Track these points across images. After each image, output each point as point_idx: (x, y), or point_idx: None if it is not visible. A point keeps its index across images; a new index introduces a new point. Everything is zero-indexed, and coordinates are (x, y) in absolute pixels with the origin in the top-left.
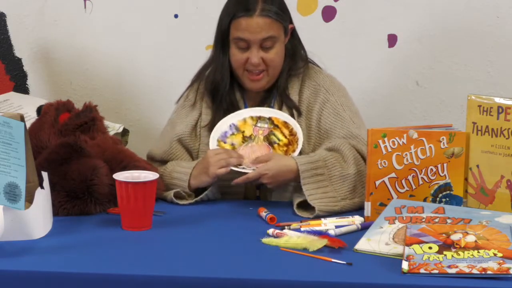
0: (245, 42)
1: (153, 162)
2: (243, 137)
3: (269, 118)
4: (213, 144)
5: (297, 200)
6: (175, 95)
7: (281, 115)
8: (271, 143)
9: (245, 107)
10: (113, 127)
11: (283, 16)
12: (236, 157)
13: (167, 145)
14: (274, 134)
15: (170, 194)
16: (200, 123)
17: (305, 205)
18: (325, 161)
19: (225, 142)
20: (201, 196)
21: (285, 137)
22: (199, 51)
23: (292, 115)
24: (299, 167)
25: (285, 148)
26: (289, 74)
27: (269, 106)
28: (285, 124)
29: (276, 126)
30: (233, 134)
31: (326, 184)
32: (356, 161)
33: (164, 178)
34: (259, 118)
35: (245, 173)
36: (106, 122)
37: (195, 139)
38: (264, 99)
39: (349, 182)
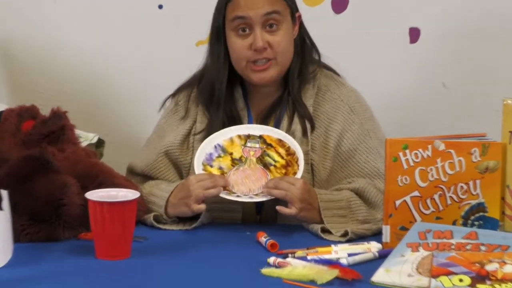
0: (246, 22)
1: (133, 176)
2: (232, 160)
3: (260, 137)
4: (198, 168)
5: (320, 225)
6: (161, 99)
7: (274, 132)
8: (266, 166)
9: (249, 117)
10: (86, 137)
11: None
12: (224, 184)
13: (151, 158)
14: (268, 155)
15: (150, 217)
16: (194, 131)
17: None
18: (349, 202)
19: (211, 166)
20: (193, 226)
21: (282, 157)
22: (188, 47)
23: (303, 128)
24: (319, 203)
25: (283, 171)
26: (300, 79)
27: (279, 116)
28: (280, 142)
29: (270, 146)
30: (219, 156)
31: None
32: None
33: None
34: (248, 137)
35: (240, 202)
36: (78, 131)
37: (186, 151)
38: (272, 107)
39: (376, 227)
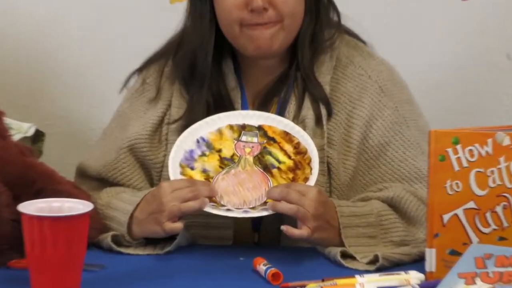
0: None
1: (84, 181)
2: (221, 160)
3: (259, 128)
4: (174, 171)
5: (340, 249)
6: (122, 77)
7: (278, 122)
8: (267, 168)
9: (243, 100)
10: (20, 128)
11: None
12: (209, 194)
13: (110, 156)
14: (270, 153)
15: (108, 238)
16: (168, 119)
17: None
18: (379, 217)
19: (192, 168)
20: (166, 250)
21: (289, 157)
22: (160, 4)
23: (317, 115)
24: (339, 219)
25: (291, 175)
26: (313, 48)
27: (284, 98)
28: (286, 135)
29: (272, 140)
30: (203, 154)
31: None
32: None
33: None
34: (242, 128)
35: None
36: (8, 120)
37: (158, 146)
38: (274, 86)
39: (416, 251)
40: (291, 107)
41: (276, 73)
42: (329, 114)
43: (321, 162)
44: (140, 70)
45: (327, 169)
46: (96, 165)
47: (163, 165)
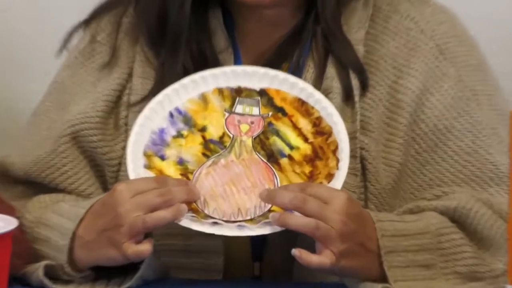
0: None
1: (6, 186)
2: (205, 143)
3: (262, 93)
4: (135, 164)
5: (381, 285)
6: (59, 36)
7: (291, 84)
8: (273, 157)
9: (237, 57)
10: None
11: None
12: (188, 197)
13: (44, 147)
14: (277, 133)
15: (39, 269)
16: (129, 93)
17: None
18: (438, 237)
19: (162, 158)
20: (124, 287)
21: (305, 139)
22: None
23: (346, 88)
24: (379, 240)
25: (307, 169)
26: None
27: (297, 64)
28: (302, 106)
29: (281, 112)
30: (179, 135)
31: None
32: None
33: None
34: (237, 93)
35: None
36: None
37: (113, 133)
38: (282, 47)
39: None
40: (308, 76)
41: (285, 28)
42: (364, 86)
43: (352, 156)
44: (87, 22)
45: (360, 166)
46: (23, 162)
47: (122, 161)
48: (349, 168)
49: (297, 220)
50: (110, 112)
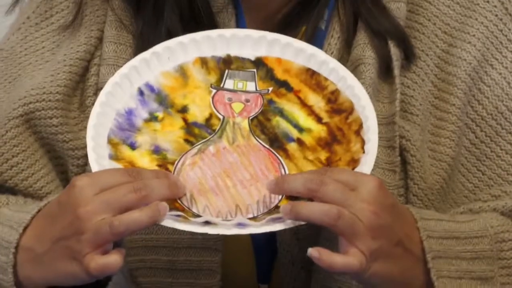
0: None
1: None
2: (187, 127)
3: (258, 62)
4: (98, 153)
5: None
6: None
7: (296, 50)
8: (277, 141)
9: (240, 18)
10: None
11: None
12: (169, 194)
13: None
14: (281, 113)
15: None
16: (97, 65)
17: None
18: (498, 244)
19: (133, 147)
20: None
21: (318, 118)
22: None
23: (383, 59)
24: (424, 242)
25: (323, 155)
26: None
27: (315, 26)
28: (312, 77)
29: (285, 87)
30: (152, 118)
31: None
32: None
33: None
34: (226, 64)
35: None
36: None
37: (78, 115)
38: (298, 7)
39: None
40: (331, 43)
41: None
42: (407, 57)
43: (389, 147)
44: None
45: (400, 159)
46: None
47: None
48: (385, 162)
49: (312, 208)
50: (74, 88)
